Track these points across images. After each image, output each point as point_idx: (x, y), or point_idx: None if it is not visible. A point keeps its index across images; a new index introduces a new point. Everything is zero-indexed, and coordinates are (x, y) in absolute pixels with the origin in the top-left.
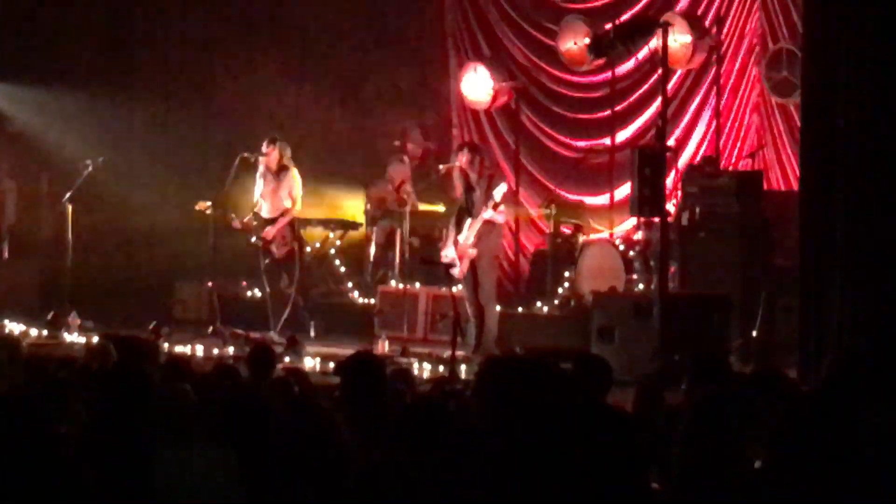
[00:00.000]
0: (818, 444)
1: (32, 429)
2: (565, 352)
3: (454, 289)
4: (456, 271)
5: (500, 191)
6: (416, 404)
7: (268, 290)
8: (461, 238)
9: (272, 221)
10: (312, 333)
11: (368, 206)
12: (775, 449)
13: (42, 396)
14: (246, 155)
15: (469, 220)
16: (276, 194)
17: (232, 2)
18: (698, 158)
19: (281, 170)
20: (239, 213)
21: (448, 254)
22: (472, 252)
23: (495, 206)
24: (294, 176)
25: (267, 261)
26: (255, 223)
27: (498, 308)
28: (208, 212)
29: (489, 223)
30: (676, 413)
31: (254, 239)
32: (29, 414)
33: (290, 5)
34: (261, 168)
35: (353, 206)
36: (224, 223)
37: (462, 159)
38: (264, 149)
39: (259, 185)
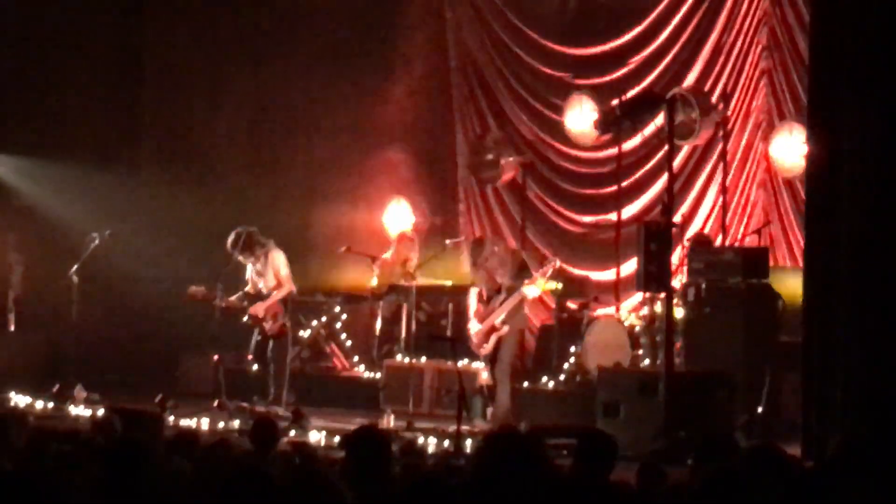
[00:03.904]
0: None
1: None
2: (570, 428)
3: (460, 363)
4: (486, 348)
5: (550, 268)
6: (419, 479)
7: (256, 365)
8: (496, 318)
9: (262, 298)
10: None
11: (376, 280)
12: None
13: (46, 470)
14: (252, 230)
15: (500, 298)
16: (262, 277)
17: (235, 80)
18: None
19: (263, 255)
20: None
21: (473, 328)
22: (506, 329)
23: (535, 280)
24: (276, 258)
25: (259, 337)
26: (244, 303)
27: None
28: (198, 296)
29: (521, 300)
30: (680, 490)
31: (245, 318)
32: (33, 489)
33: (293, 88)
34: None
35: (361, 280)
36: (209, 302)
37: (489, 258)
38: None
39: (248, 268)
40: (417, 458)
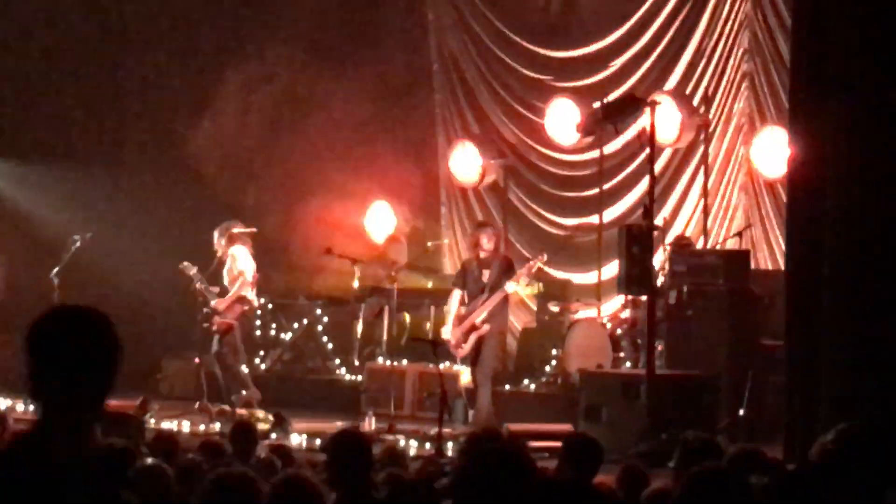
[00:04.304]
0: None
1: None
2: (553, 432)
3: (441, 366)
4: (465, 348)
5: (536, 262)
6: (403, 483)
7: (197, 359)
8: (476, 317)
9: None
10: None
11: (359, 282)
12: None
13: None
14: (235, 231)
15: (482, 298)
16: (228, 274)
17: (217, 84)
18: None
19: (227, 250)
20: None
21: (447, 333)
22: (486, 328)
23: (519, 277)
24: (234, 256)
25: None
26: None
27: None
28: (190, 272)
29: (503, 299)
30: (662, 493)
31: (206, 309)
32: (14, 491)
33: (275, 91)
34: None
35: (344, 282)
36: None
37: (483, 239)
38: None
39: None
40: (399, 462)
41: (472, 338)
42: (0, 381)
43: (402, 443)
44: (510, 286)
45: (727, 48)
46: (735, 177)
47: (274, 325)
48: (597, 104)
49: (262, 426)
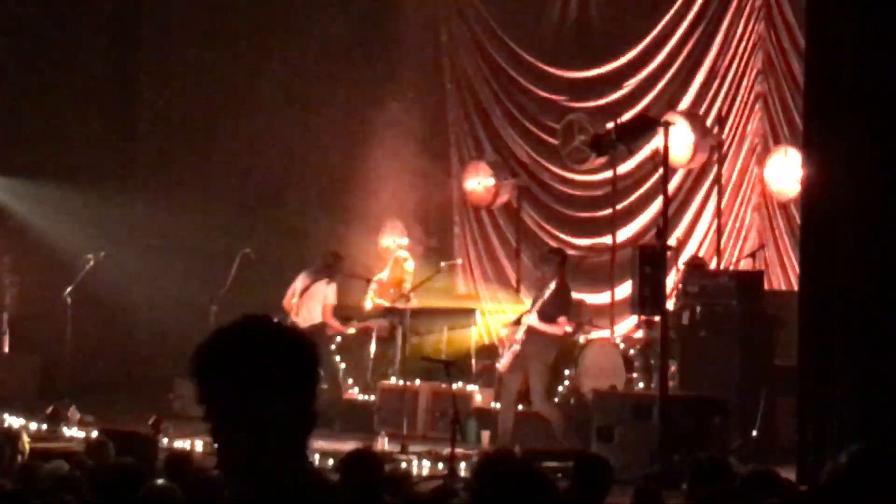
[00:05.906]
0: None
1: None
2: (565, 452)
3: (454, 386)
4: (501, 364)
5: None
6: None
7: None
8: (517, 333)
9: None
10: None
11: (371, 302)
12: None
13: (41, 491)
14: (248, 252)
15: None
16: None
17: (231, 103)
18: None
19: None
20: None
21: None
22: (516, 348)
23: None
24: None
25: None
26: None
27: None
28: None
29: (534, 329)
30: None
31: None
32: None
33: (289, 110)
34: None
35: (356, 301)
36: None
37: (550, 269)
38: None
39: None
40: (405, 486)
41: (509, 354)
42: (14, 401)
43: (415, 463)
44: (529, 318)
45: (741, 69)
46: (748, 197)
47: None
48: (611, 125)
49: None
